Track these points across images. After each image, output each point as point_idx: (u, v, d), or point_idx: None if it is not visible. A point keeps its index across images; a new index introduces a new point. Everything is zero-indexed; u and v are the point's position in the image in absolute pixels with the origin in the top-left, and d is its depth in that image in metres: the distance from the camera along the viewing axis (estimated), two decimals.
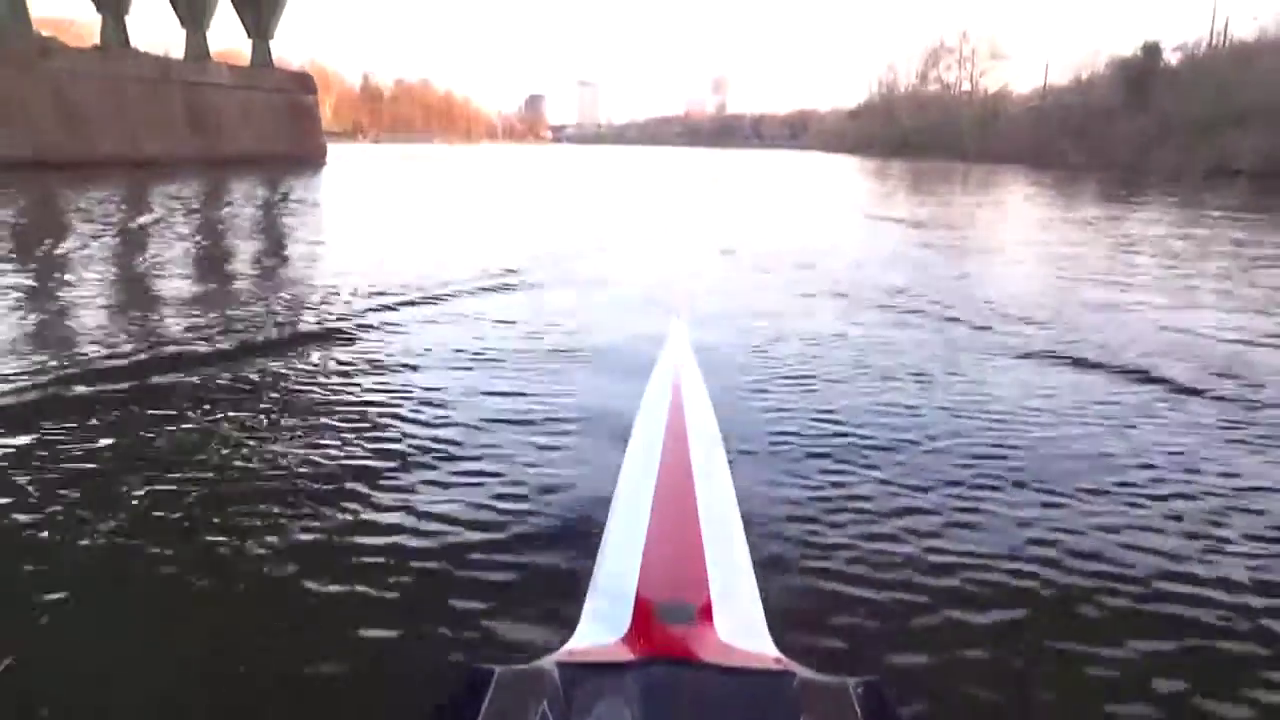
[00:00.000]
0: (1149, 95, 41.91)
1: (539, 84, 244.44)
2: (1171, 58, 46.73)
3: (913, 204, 19.24)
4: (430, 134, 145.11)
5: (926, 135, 65.99)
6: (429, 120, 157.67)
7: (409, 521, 2.83)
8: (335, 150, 47.82)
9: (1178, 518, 2.95)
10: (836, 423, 3.81)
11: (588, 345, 5.22)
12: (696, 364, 2.71)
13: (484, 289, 7.11)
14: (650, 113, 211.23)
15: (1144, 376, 4.69)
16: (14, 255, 9.12)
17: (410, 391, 4.26)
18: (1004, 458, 3.43)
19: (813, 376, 4.58)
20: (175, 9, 34.49)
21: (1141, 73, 45.30)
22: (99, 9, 31.23)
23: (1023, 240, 12.27)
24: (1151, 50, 46.91)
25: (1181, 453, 3.54)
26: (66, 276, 7.75)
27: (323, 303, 6.50)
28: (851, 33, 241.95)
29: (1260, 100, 32.41)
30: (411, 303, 6.47)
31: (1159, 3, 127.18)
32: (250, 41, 38.46)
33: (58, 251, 9.44)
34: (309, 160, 36.66)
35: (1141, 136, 38.81)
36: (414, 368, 4.72)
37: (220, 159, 31.77)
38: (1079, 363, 4.97)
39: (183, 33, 35.08)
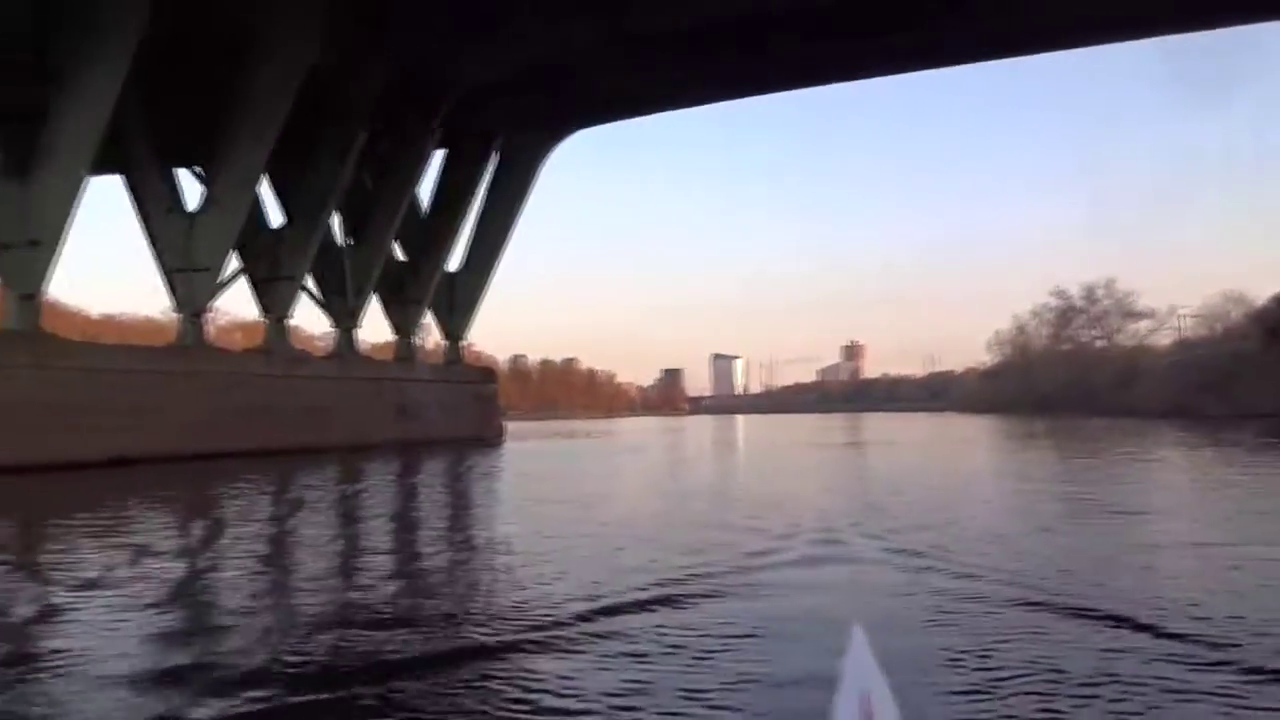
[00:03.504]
0: None
1: (675, 358, 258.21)
2: None
3: (1082, 471, 18.75)
4: (574, 410, 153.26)
5: (1064, 393, 67.15)
6: (573, 397, 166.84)
7: None
8: None
9: None
10: None
11: (768, 654, 5.04)
12: (882, 674, 2.79)
13: (648, 597, 6.55)
14: (784, 380, 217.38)
15: None
16: (245, 524, 12.34)
17: None
18: None
19: (1013, 691, 4.21)
20: (390, 321, 41.48)
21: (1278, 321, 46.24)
22: (335, 326, 38.15)
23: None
24: None
25: None
26: (292, 545, 10.49)
27: (499, 607, 6.71)
28: (981, 295, 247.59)
29: None
30: (582, 617, 6.05)
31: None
32: (446, 343, 45.21)
33: (286, 523, 12.69)
34: (489, 440, 41.26)
35: None
36: (594, 697, 4.46)
37: (420, 441, 36.55)
38: None
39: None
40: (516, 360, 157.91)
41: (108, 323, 77.55)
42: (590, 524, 11.61)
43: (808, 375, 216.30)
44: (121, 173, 31.87)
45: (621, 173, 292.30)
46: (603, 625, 5.80)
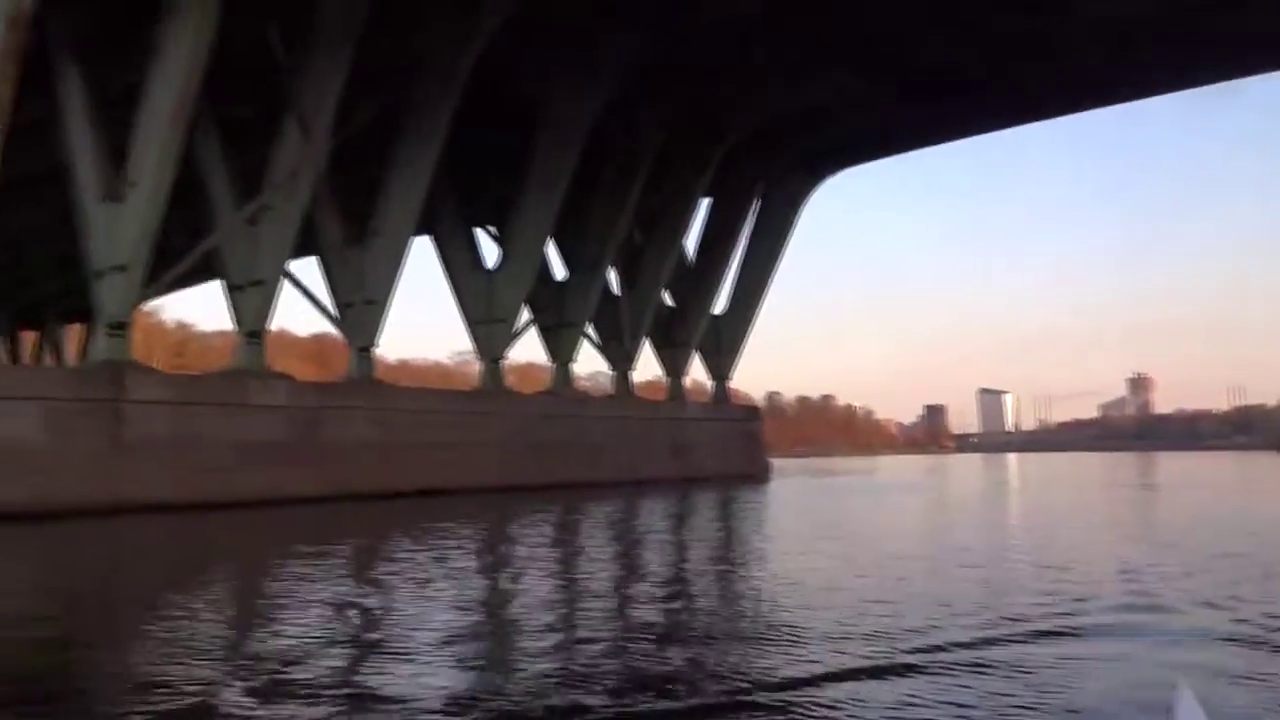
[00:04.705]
0: None
1: (938, 394, 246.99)
2: None
3: None
4: (831, 447, 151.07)
5: None
6: (830, 434, 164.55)
7: None
8: None
9: None
10: None
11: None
12: None
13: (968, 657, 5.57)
14: (1060, 416, 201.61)
15: None
16: (539, 551, 13.71)
17: None
18: None
19: None
20: (662, 365, 43.54)
21: None
22: (612, 369, 40.67)
23: None
24: None
25: None
26: (582, 567, 11.54)
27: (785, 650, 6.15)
28: None
29: None
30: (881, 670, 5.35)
31: None
32: (712, 383, 46.55)
33: (575, 546, 14.03)
34: (757, 477, 41.86)
35: None
36: None
37: (692, 478, 37.86)
38: None
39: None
40: (772, 397, 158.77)
41: (403, 368, 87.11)
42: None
43: (1087, 411, 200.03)
44: (430, 234, 36.12)
45: (880, 202, 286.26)
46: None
